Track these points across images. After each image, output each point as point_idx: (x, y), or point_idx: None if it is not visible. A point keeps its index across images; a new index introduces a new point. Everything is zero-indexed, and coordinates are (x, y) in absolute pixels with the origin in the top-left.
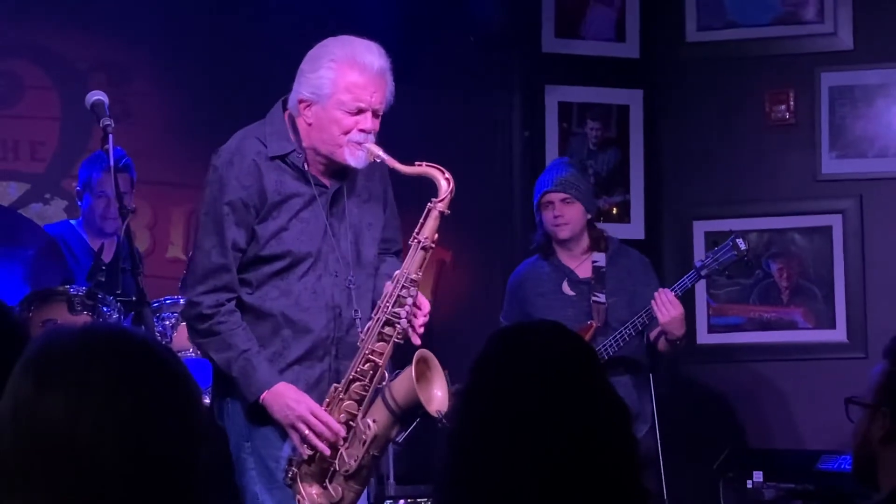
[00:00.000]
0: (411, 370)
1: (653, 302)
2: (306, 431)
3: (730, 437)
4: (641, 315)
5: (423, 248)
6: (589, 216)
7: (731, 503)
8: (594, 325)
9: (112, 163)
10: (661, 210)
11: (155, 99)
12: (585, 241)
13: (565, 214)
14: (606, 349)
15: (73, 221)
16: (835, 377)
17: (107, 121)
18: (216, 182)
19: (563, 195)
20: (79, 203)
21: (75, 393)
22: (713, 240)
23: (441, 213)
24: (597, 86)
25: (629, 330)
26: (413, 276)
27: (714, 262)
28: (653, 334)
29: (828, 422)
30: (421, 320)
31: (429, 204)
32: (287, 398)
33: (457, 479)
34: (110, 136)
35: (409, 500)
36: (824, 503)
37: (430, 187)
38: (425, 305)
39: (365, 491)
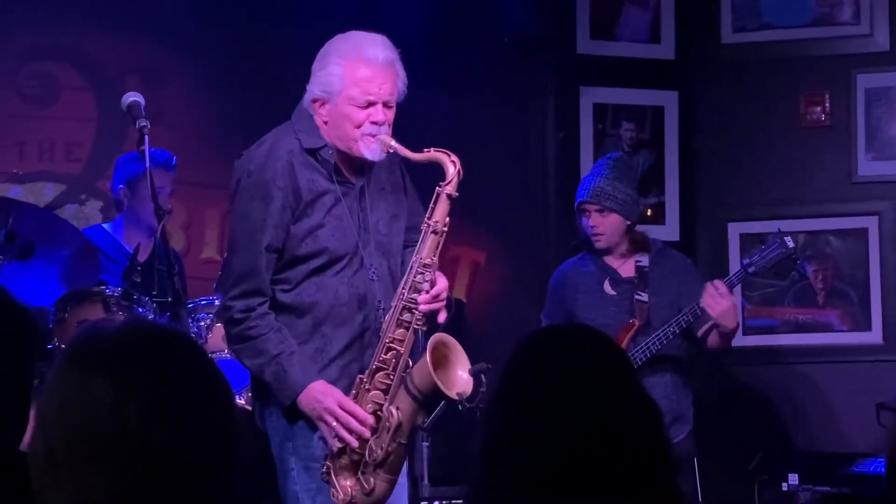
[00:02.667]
0: (427, 356)
1: (704, 294)
2: (334, 423)
3: (765, 440)
4: (686, 312)
5: (434, 233)
6: (628, 223)
7: None
8: (636, 323)
9: (149, 163)
10: (696, 212)
11: (189, 101)
12: (625, 246)
13: (600, 226)
14: (649, 347)
15: (105, 225)
16: (870, 379)
17: (143, 122)
18: (251, 187)
19: (597, 206)
20: (121, 202)
21: (122, 382)
22: (749, 241)
23: (449, 195)
24: (631, 87)
25: (673, 328)
26: (426, 261)
27: (761, 259)
28: (701, 331)
29: (863, 424)
30: (431, 294)
31: (437, 188)
32: (314, 392)
33: (488, 482)
34: (146, 137)
35: (443, 502)
36: None
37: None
38: (440, 283)
39: (404, 490)
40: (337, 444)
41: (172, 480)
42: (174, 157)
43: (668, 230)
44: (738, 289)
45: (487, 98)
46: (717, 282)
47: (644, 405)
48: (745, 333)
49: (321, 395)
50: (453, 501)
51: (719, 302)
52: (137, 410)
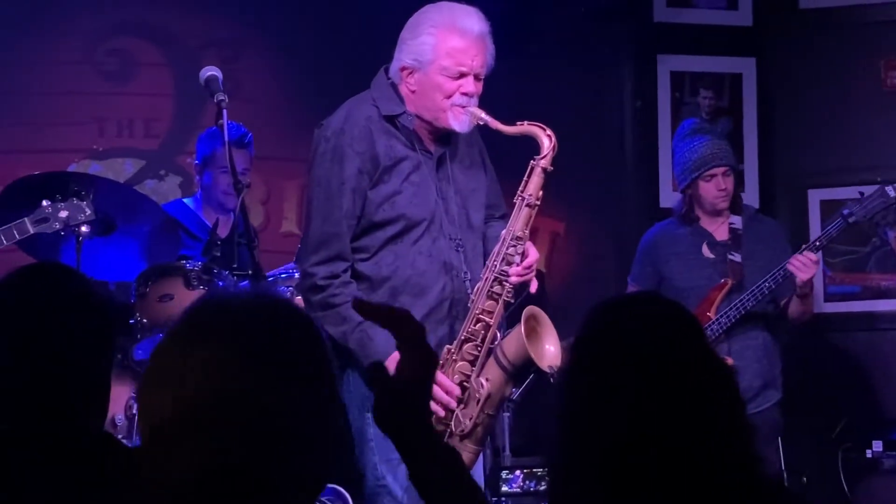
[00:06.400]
0: (521, 327)
1: (790, 266)
2: None
3: (848, 407)
4: (781, 268)
5: (528, 206)
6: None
7: (850, 473)
8: (729, 282)
9: (227, 137)
10: (775, 179)
11: (266, 74)
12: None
13: (728, 187)
14: (743, 303)
15: (186, 200)
16: None
17: (221, 96)
18: (328, 152)
19: (725, 168)
20: (197, 178)
21: (231, 352)
22: (830, 207)
23: (544, 169)
24: (709, 55)
25: (769, 283)
26: (519, 234)
27: (862, 209)
28: (783, 302)
29: None
30: (523, 266)
31: (532, 161)
32: None
33: (564, 454)
34: (224, 111)
35: (524, 471)
36: None
37: (533, 147)
38: (532, 254)
39: (480, 459)
40: None
41: (278, 449)
42: (249, 134)
43: (748, 197)
44: (819, 255)
45: (564, 68)
46: (799, 255)
47: (718, 371)
48: (826, 300)
49: None
50: (534, 471)
51: (811, 268)
52: (248, 380)
